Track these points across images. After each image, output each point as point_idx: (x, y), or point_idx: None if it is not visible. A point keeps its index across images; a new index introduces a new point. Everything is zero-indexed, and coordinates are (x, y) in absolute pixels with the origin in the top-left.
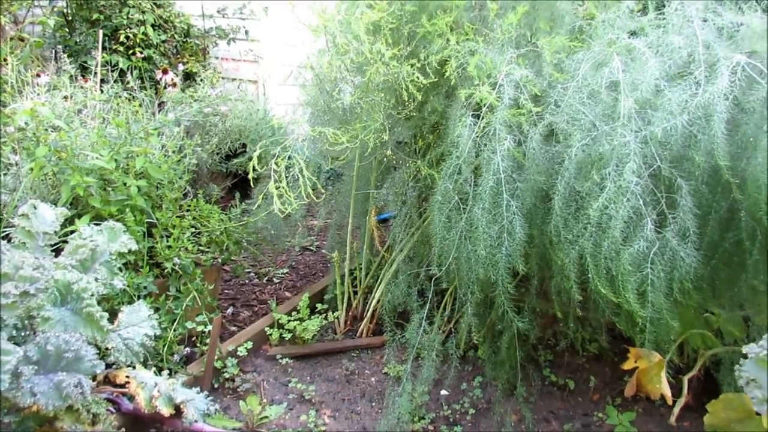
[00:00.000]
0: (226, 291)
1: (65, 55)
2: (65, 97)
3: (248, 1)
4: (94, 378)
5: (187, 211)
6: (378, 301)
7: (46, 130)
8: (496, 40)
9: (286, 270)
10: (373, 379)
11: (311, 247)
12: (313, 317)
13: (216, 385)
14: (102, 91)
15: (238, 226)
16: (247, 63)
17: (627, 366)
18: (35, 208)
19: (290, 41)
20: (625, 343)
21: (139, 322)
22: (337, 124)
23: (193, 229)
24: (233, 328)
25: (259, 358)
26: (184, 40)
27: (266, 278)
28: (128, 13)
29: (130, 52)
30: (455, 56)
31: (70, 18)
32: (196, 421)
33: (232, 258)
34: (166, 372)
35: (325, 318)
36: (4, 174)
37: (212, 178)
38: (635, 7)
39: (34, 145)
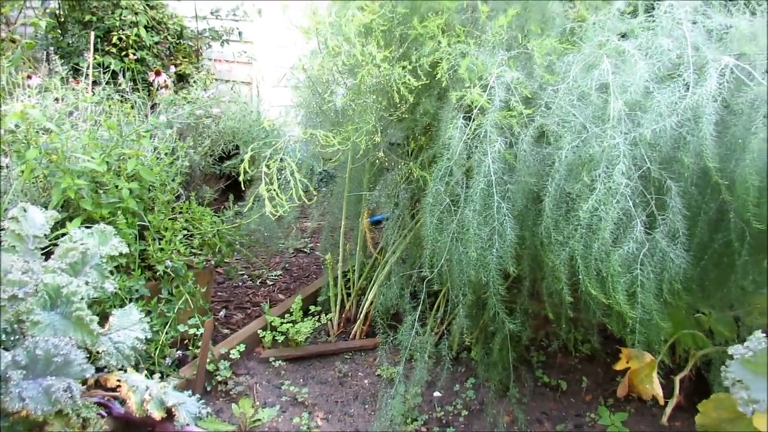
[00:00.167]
0: (219, 293)
1: (57, 57)
2: (56, 99)
3: (241, 3)
4: (84, 382)
5: (180, 213)
6: (371, 303)
7: (37, 132)
8: (487, 42)
9: (279, 272)
10: (366, 381)
11: (304, 249)
12: (306, 319)
13: (208, 388)
14: (94, 93)
15: (231, 228)
16: (241, 64)
17: (619, 366)
18: (25, 211)
19: (283, 43)
20: (617, 343)
21: (130, 326)
22: (330, 126)
23: (185, 232)
24: (226, 331)
25: (252, 360)
26: (178, 41)
27: (259, 280)
28: (121, 14)
29: (123, 53)
30: (446, 58)
31: (62, 19)
32: (187, 425)
33: (225, 260)
34: (157, 375)
35: (318, 320)
36: None
37: (205, 180)
38: (625, 9)
39: (25, 147)
